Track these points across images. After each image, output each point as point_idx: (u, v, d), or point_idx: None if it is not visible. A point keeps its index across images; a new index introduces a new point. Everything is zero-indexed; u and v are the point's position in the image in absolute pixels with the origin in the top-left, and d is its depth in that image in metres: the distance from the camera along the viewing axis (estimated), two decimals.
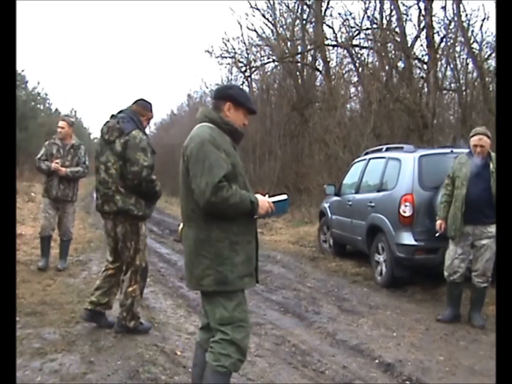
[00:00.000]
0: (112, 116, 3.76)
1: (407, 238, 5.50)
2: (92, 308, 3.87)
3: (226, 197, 2.33)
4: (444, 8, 11.56)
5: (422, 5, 11.73)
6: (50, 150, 6.01)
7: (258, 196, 2.52)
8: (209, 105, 2.70)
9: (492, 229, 4.30)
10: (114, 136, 3.63)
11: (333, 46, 14.65)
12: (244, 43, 17.02)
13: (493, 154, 4.42)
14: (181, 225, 2.62)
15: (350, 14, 17.07)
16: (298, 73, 16.21)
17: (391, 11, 12.55)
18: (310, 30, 15.69)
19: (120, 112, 3.79)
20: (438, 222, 4.63)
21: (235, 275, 2.44)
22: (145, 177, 3.53)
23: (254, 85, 17.86)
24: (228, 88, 2.70)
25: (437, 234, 4.70)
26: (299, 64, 15.91)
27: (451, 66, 12.06)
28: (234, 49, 16.81)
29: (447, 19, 11.65)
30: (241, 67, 17.08)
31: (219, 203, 2.33)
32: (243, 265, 2.47)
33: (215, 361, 2.44)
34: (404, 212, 5.52)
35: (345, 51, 13.72)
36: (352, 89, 14.67)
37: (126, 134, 3.58)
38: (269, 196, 2.62)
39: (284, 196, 2.66)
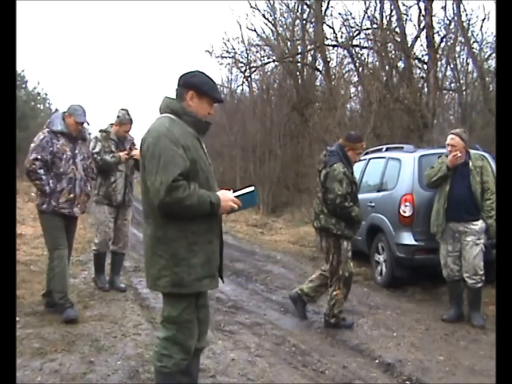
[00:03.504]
0: (326, 150, 4.48)
1: (407, 238, 5.50)
2: (300, 294, 4.60)
3: (181, 198, 2.18)
4: (444, 8, 11.60)
5: (422, 5, 11.75)
6: (109, 147, 5.09)
7: (221, 193, 2.36)
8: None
9: (475, 226, 4.42)
10: (321, 167, 4.38)
11: (333, 46, 14.66)
12: (244, 43, 17.07)
13: (472, 152, 4.60)
14: None
15: (350, 14, 17.01)
16: (298, 73, 16.21)
17: (391, 11, 12.58)
18: (310, 30, 15.70)
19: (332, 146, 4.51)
20: None
21: (192, 277, 2.31)
22: (338, 204, 4.16)
23: (254, 85, 17.89)
24: (191, 76, 2.43)
25: None
26: (299, 64, 15.92)
27: (451, 66, 12.09)
28: (234, 49, 16.86)
29: (447, 19, 11.70)
30: (241, 67, 17.13)
31: (173, 204, 2.19)
32: (202, 266, 2.34)
33: (158, 362, 2.41)
34: (404, 212, 5.52)
35: (345, 51, 13.72)
36: (352, 89, 14.67)
37: (329, 166, 4.25)
38: (234, 191, 2.47)
39: (250, 188, 2.51)
